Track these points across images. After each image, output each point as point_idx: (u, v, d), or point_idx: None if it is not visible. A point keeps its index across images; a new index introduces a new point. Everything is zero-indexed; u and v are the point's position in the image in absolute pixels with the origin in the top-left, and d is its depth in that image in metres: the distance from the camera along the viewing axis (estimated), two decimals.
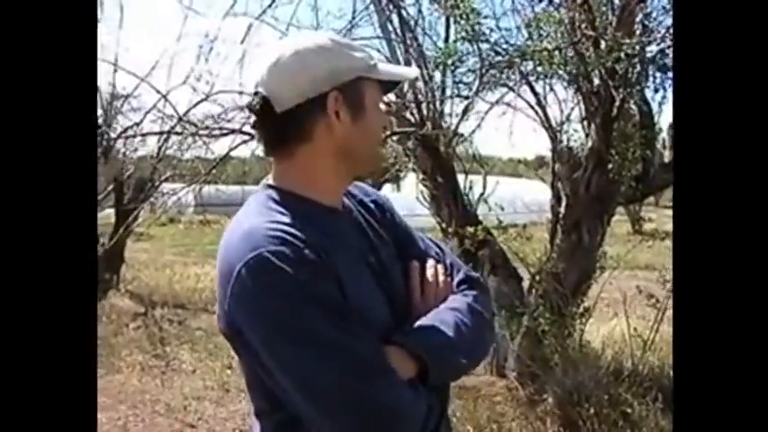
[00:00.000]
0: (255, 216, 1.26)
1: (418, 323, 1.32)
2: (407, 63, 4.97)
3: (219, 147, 6.23)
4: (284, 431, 1.28)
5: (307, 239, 1.20)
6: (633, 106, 4.56)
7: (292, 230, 1.20)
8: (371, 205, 1.47)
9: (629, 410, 3.86)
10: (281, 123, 1.29)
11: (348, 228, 1.36)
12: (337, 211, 1.36)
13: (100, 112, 8.60)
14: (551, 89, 4.81)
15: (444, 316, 1.34)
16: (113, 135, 8.11)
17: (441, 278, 1.43)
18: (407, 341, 1.25)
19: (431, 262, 1.45)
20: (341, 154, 1.31)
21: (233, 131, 5.28)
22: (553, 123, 4.77)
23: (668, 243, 4.59)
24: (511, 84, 4.78)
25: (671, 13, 4.09)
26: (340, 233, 1.31)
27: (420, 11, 5.00)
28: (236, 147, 5.28)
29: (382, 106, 1.39)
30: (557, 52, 4.05)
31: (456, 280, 1.45)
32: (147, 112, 7.37)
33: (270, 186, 1.34)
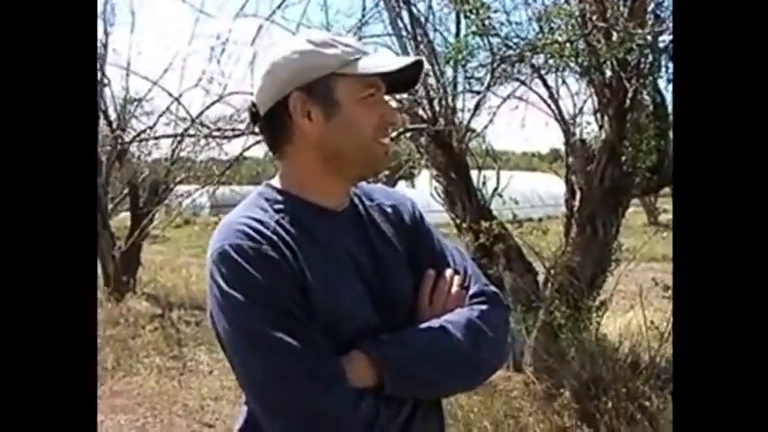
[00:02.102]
0: (237, 212, 1.31)
1: (402, 332, 1.30)
2: None
3: (233, 148, 6.27)
4: (253, 420, 1.30)
5: (273, 236, 1.23)
6: (646, 97, 4.53)
7: (260, 227, 1.24)
8: (389, 209, 1.46)
9: (646, 403, 3.83)
10: (265, 126, 1.38)
11: (341, 229, 1.35)
12: (331, 211, 1.36)
13: (114, 116, 8.66)
14: (563, 82, 4.80)
15: (434, 328, 1.32)
16: (127, 139, 8.16)
17: (454, 289, 1.40)
18: (372, 350, 1.25)
19: (448, 272, 1.43)
20: (322, 153, 1.33)
21: (246, 132, 5.29)
22: (566, 116, 4.75)
23: None
24: (522, 77, 4.77)
25: None
26: (327, 233, 1.32)
27: (430, 6, 5.00)
28: (249, 147, 5.28)
29: (377, 100, 1.34)
30: (568, 45, 4.03)
31: (470, 292, 1.41)
32: (161, 116, 7.43)
33: (267, 185, 1.38)
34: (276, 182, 1.38)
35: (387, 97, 1.38)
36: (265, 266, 1.20)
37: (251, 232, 1.23)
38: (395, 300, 1.36)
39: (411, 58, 1.34)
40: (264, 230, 1.23)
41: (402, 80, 1.37)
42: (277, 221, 1.27)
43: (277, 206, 1.31)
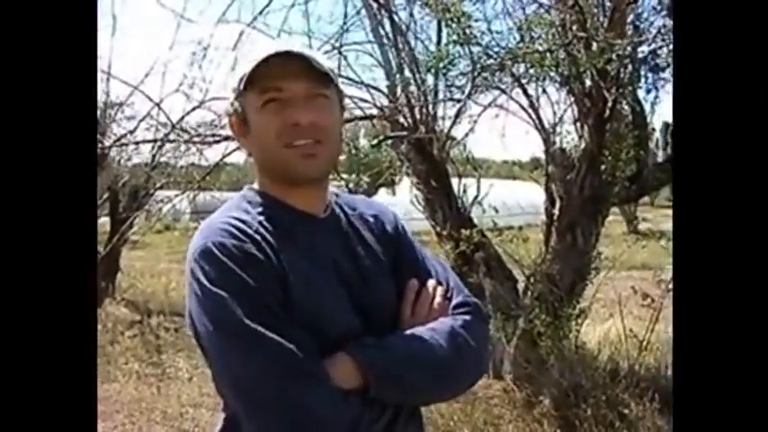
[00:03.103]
0: (219, 213, 1.33)
1: (387, 337, 1.31)
2: (399, 67, 4.98)
3: (213, 153, 6.23)
4: (231, 427, 1.30)
5: (256, 236, 1.25)
6: (626, 107, 4.58)
7: (243, 226, 1.25)
8: (371, 219, 1.48)
9: (626, 411, 3.86)
10: None
11: (321, 234, 1.37)
12: (312, 216, 1.38)
13: None
14: (544, 91, 4.82)
15: (418, 334, 1.32)
16: (107, 143, 8.08)
17: (437, 299, 1.41)
18: (358, 352, 1.25)
19: (431, 282, 1.44)
20: (261, 166, 1.38)
21: (227, 138, 5.27)
22: (546, 125, 4.78)
23: (664, 243, 4.59)
24: (503, 86, 4.78)
25: (662, 13, 4.11)
26: (308, 237, 1.33)
27: (411, 15, 5.00)
28: (229, 153, 5.26)
29: (279, 103, 1.30)
30: (548, 54, 4.05)
31: (453, 303, 1.42)
32: (141, 120, 7.34)
33: (250, 188, 1.41)
34: (257, 185, 1.40)
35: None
36: (249, 264, 1.21)
37: (234, 231, 1.24)
38: (377, 306, 1.37)
39: (261, 58, 1.28)
40: (247, 230, 1.25)
41: (302, 70, 1.30)
42: (260, 222, 1.28)
43: (259, 208, 1.32)
